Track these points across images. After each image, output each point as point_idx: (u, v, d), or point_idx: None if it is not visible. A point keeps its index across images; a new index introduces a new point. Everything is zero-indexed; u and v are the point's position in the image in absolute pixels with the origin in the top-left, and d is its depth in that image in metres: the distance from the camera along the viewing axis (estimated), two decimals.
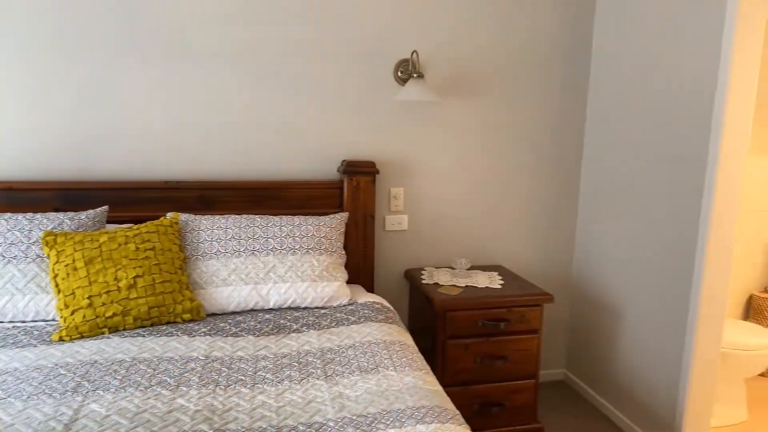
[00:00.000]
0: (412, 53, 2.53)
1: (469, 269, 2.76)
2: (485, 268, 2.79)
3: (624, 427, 2.61)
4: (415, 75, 2.48)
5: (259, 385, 1.51)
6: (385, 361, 1.64)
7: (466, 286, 2.50)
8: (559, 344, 3.09)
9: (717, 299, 2.22)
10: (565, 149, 2.88)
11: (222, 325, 1.89)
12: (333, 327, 1.91)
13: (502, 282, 2.57)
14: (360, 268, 2.55)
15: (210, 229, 2.12)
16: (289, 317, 1.98)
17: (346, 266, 2.48)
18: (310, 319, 1.97)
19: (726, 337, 2.66)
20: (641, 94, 2.49)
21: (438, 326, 2.36)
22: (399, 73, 2.62)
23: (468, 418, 2.37)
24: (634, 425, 2.55)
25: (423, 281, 2.55)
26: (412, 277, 2.64)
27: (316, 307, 2.09)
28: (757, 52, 2.04)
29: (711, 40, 2.11)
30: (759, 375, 3.26)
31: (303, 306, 2.07)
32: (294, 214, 2.41)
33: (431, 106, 2.67)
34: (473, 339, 2.38)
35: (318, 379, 1.55)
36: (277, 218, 2.21)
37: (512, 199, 2.86)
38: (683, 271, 2.28)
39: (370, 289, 2.58)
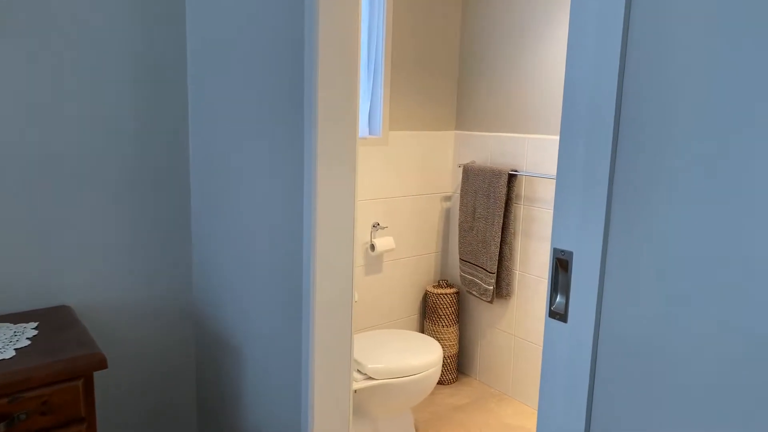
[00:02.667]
0: None
1: None
2: (30, 316, 1.70)
3: None
4: None
5: None
6: None
7: None
8: (188, 401, 2.17)
9: (338, 324, 1.52)
10: (162, 139, 1.93)
11: None
12: None
13: (29, 342, 1.52)
14: None
15: None
16: None
17: None
18: None
19: (386, 363, 2.05)
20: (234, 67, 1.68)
21: None
22: None
23: None
24: None
25: None
26: None
27: None
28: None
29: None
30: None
31: None
32: None
33: None
34: None
35: None
36: None
37: (88, 205, 1.80)
38: (293, 289, 1.54)
39: None
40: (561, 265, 0.90)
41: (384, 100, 2.56)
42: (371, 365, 2.03)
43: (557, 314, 0.91)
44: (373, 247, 2.60)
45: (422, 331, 2.93)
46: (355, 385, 2.00)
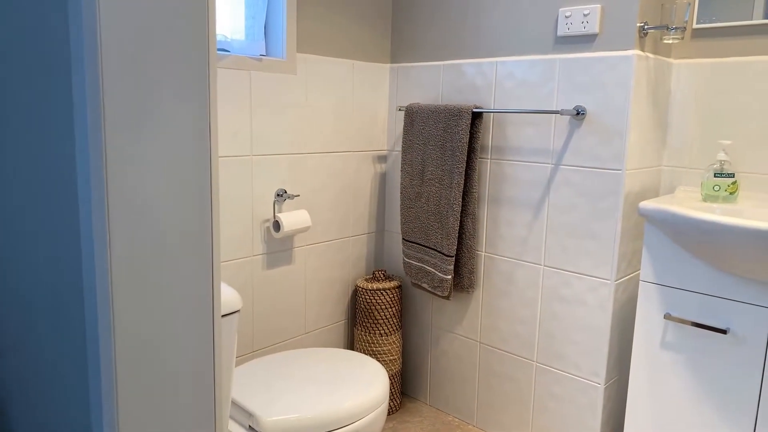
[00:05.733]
0: None
1: None
2: None
3: None
4: None
5: None
6: None
7: None
8: None
9: (186, 362, 0.69)
10: None
11: None
12: None
13: None
14: None
15: None
16: None
17: None
18: None
19: (296, 410, 1.23)
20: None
21: None
22: None
23: None
24: None
25: None
26: None
27: None
28: None
29: None
30: None
31: None
32: None
33: None
34: None
35: None
36: None
37: None
38: (67, 312, 0.69)
39: None
40: None
41: (288, 8, 1.73)
42: (271, 417, 1.19)
43: None
44: (277, 225, 1.77)
45: (352, 346, 2.13)
46: None
